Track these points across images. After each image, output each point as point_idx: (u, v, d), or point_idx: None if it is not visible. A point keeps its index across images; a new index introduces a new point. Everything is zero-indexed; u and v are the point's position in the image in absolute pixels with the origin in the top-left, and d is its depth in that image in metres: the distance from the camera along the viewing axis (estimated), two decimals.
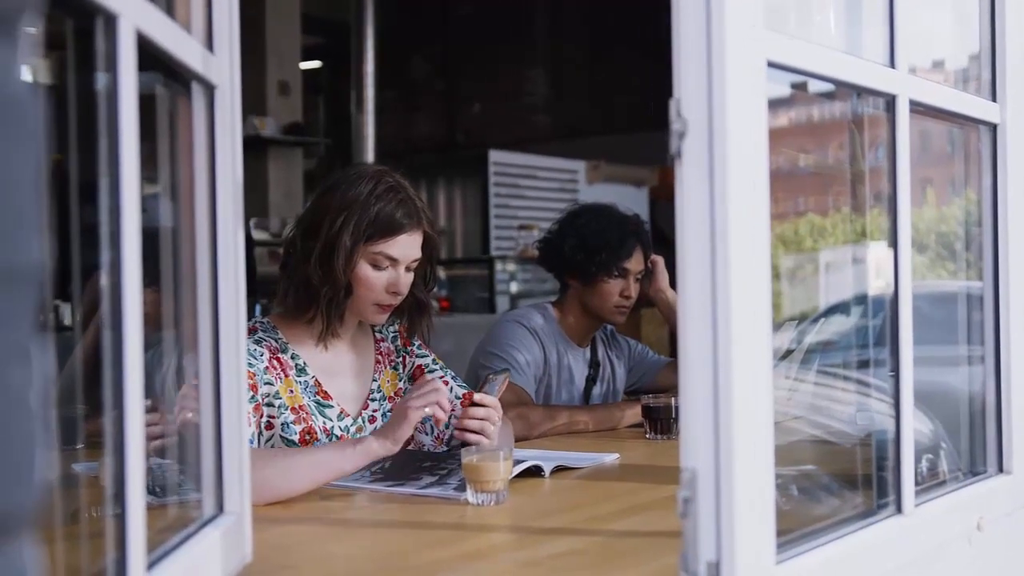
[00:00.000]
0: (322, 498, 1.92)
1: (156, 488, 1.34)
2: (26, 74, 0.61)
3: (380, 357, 2.37)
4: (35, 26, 0.63)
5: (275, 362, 2.17)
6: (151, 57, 1.12)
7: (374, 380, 2.34)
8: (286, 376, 2.18)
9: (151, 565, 1.09)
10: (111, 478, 1.02)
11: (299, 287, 2.19)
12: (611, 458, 2.34)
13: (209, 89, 1.34)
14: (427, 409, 1.95)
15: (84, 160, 1.04)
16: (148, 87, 1.15)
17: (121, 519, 1.01)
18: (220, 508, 1.36)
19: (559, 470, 2.17)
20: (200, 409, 1.36)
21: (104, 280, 1.01)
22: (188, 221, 1.35)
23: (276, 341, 2.21)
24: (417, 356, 2.42)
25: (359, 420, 2.27)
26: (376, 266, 2.18)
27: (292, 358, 2.21)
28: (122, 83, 1.00)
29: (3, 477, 0.58)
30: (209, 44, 1.34)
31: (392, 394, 2.36)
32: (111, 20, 0.99)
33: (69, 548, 1.21)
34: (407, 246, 2.20)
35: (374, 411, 2.31)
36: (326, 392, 2.23)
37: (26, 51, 0.61)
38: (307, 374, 2.21)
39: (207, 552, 1.27)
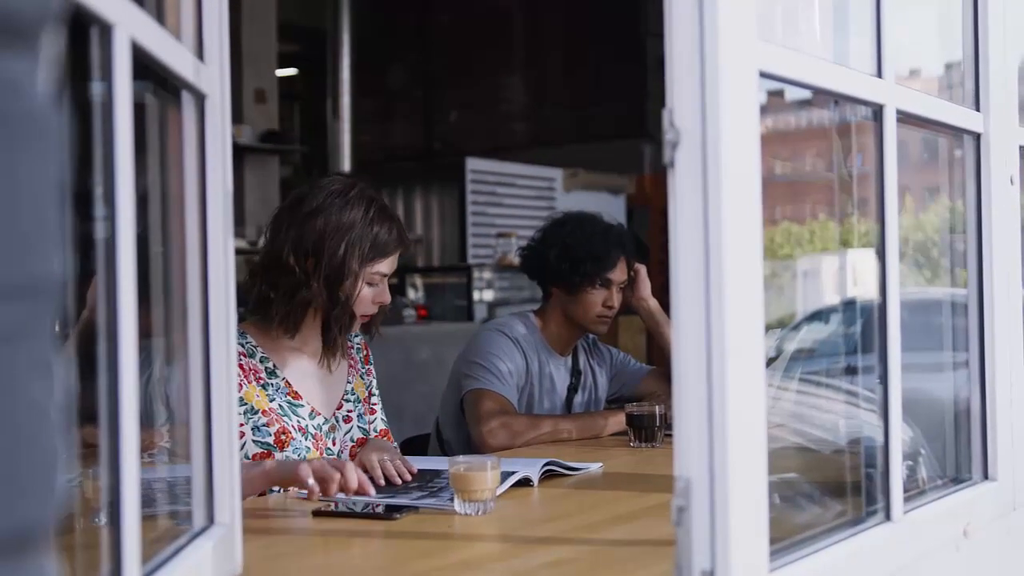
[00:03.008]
0: (312, 510, 1.91)
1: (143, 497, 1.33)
2: (47, 86, 0.61)
3: (352, 362, 2.46)
4: (55, 39, 0.63)
5: (238, 368, 2.20)
6: (142, 65, 1.11)
7: (348, 382, 2.42)
8: (250, 382, 2.23)
9: None
10: (106, 490, 1.01)
11: (300, 308, 2.25)
12: (595, 467, 2.35)
13: (199, 98, 1.34)
14: (311, 481, 1.91)
15: (76, 168, 1.04)
16: (138, 95, 1.14)
17: (116, 530, 1.00)
18: (211, 519, 1.36)
19: (548, 476, 2.18)
20: (191, 422, 1.35)
21: (99, 289, 1.00)
22: (178, 230, 1.34)
23: (243, 346, 2.26)
24: (373, 377, 2.53)
25: (332, 420, 2.35)
26: (370, 284, 2.29)
27: (261, 361, 2.27)
28: (117, 92, 1.00)
29: (28, 491, 0.57)
30: (200, 53, 1.34)
31: (362, 398, 2.45)
32: (106, 29, 0.98)
33: (58, 559, 1.19)
34: (395, 261, 2.33)
35: (348, 411, 2.40)
36: (296, 392, 2.29)
37: (46, 64, 0.61)
38: (278, 376, 2.28)
39: (198, 563, 1.26)
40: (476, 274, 7.49)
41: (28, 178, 0.57)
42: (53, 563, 0.60)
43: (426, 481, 2.13)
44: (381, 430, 2.46)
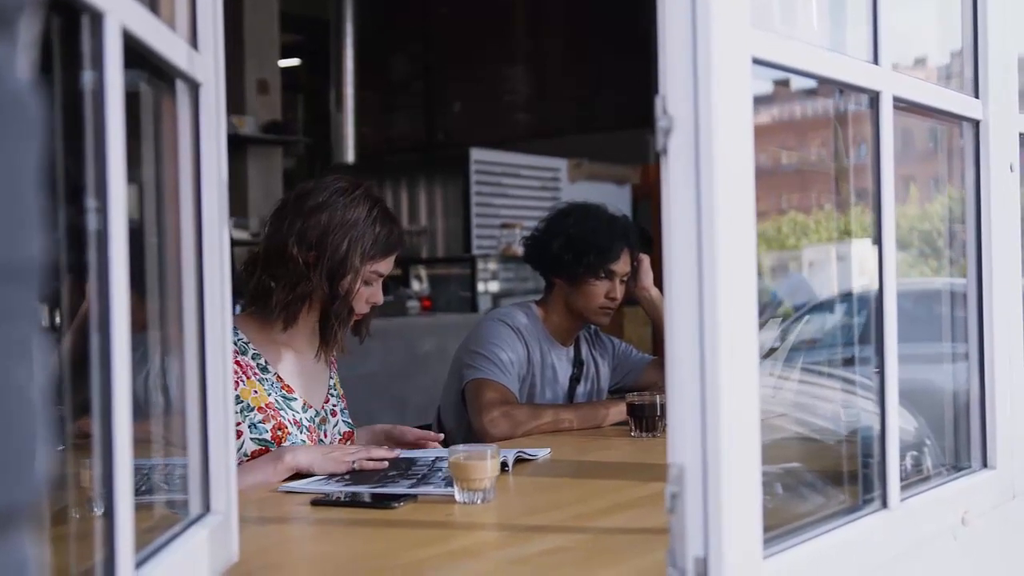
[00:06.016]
0: (308, 499, 1.91)
1: (140, 487, 1.33)
2: (25, 71, 0.61)
3: (333, 360, 2.50)
4: (34, 24, 0.63)
5: (235, 365, 2.22)
6: (135, 55, 1.11)
7: (331, 377, 2.47)
8: (248, 378, 2.26)
9: (139, 564, 1.09)
10: (97, 479, 1.02)
11: (299, 300, 2.28)
12: (543, 452, 2.38)
13: (194, 87, 1.34)
14: (355, 465, 2.13)
15: (68, 159, 1.04)
16: (132, 85, 1.14)
17: (109, 519, 1.00)
18: (207, 507, 1.36)
19: (546, 465, 2.20)
20: (187, 409, 1.35)
21: (91, 281, 1.00)
22: (173, 220, 1.34)
23: (235, 343, 2.27)
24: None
25: (322, 412, 2.40)
26: (366, 282, 2.32)
27: (253, 358, 2.30)
28: (108, 81, 1.00)
29: (6, 472, 0.58)
30: (194, 42, 1.34)
31: (341, 395, 2.51)
32: (97, 18, 0.98)
33: (55, 548, 1.20)
34: (392, 262, 2.38)
35: (334, 406, 2.45)
36: (289, 386, 2.33)
37: (25, 49, 0.61)
38: (269, 372, 2.31)
39: (194, 551, 1.26)
40: (480, 265, 7.49)
41: (6, 163, 0.58)
42: (33, 544, 0.61)
43: (405, 469, 2.13)
44: (345, 432, 2.48)
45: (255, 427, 2.23)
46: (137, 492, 1.14)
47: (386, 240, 2.32)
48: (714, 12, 1.15)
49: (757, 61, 1.24)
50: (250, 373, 2.26)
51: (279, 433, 2.24)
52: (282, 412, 2.27)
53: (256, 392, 2.26)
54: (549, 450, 2.41)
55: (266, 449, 2.21)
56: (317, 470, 2.10)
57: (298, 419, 2.30)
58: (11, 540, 0.58)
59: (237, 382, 2.21)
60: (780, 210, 1.97)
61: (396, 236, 2.35)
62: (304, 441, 2.27)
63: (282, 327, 2.31)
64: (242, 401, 2.22)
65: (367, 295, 2.34)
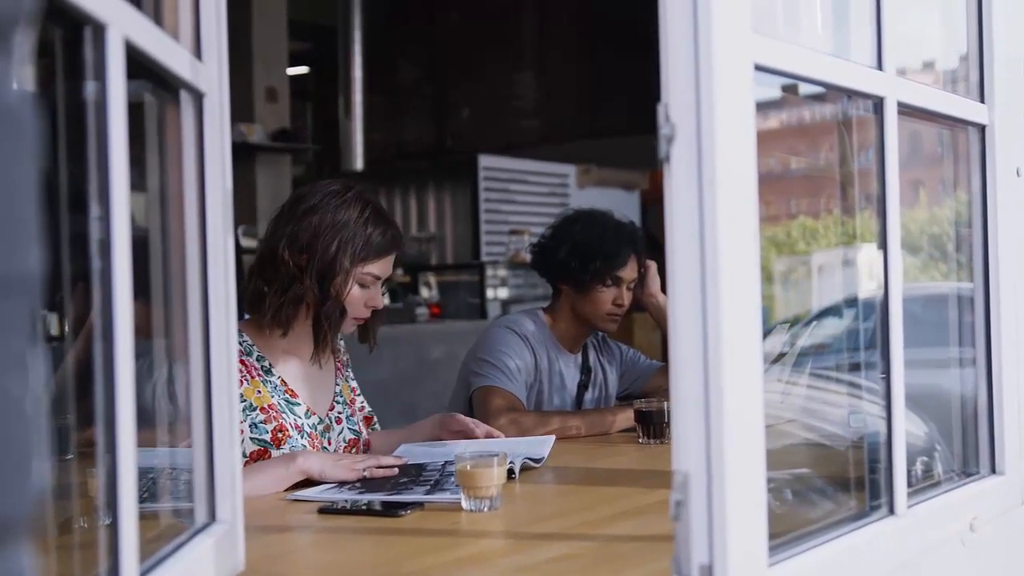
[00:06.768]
0: (314, 508, 1.91)
1: (145, 495, 1.34)
2: (22, 83, 0.61)
3: (339, 365, 2.50)
4: (30, 36, 0.63)
5: (239, 365, 2.23)
6: (139, 65, 1.11)
7: (336, 385, 2.46)
8: (252, 378, 2.27)
9: (143, 574, 1.09)
10: (102, 488, 1.02)
11: (292, 303, 2.28)
12: (549, 441, 2.42)
13: (198, 97, 1.34)
14: (365, 473, 2.13)
15: (71, 168, 1.04)
16: (136, 95, 1.15)
17: (114, 528, 1.00)
18: (212, 516, 1.36)
19: (526, 469, 2.23)
20: (192, 418, 1.36)
21: (94, 290, 1.01)
22: (177, 230, 1.35)
23: (240, 344, 2.28)
24: (353, 379, 2.56)
25: (326, 420, 2.39)
26: (362, 285, 2.32)
27: (258, 360, 2.31)
28: (111, 92, 1.00)
29: (2, 484, 0.58)
30: (197, 52, 1.34)
31: (348, 401, 2.49)
32: (100, 29, 0.99)
33: (61, 557, 1.20)
34: (389, 264, 2.36)
35: (339, 413, 2.44)
36: (293, 391, 2.33)
37: (22, 61, 0.61)
38: (274, 375, 2.31)
39: (199, 560, 1.26)
40: (489, 271, 7.48)
41: (4, 174, 0.58)
42: (29, 555, 0.61)
43: (416, 476, 2.13)
44: (366, 418, 2.52)
45: (256, 427, 2.23)
46: (142, 499, 1.14)
47: (379, 241, 2.30)
48: (715, 18, 1.15)
49: (759, 67, 1.24)
50: (254, 373, 2.27)
51: (279, 435, 2.24)
52: (284, 415, 2.27)
53: (259, 392, 2.26)
54: (553, 437, 2.44)
55: (265, 450, 2.21)
56: (327, 477, 2.09)
57: (300, 424, 2.29)
58: (9, 551, 0.58)
59: (241, 381, 2.22)
60: (790, 215, 1.96)
61: (390, 238, 2.33)
62: (304, 446, 2.27)
63: (280, 332, 2.30)
64: (245, 400, 2.22)
65: (365, 298, 2.32)
